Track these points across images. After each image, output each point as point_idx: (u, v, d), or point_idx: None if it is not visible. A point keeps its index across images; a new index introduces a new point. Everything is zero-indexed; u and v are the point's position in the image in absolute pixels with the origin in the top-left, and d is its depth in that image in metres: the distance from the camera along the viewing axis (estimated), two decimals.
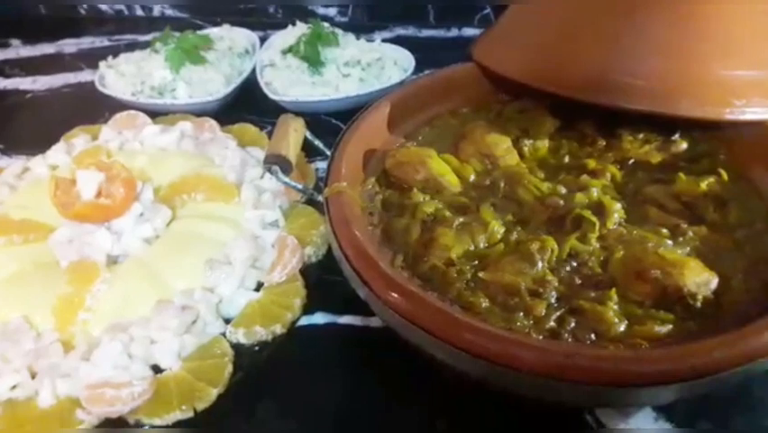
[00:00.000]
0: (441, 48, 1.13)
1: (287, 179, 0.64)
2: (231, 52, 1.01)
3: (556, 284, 0.54)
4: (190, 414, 0.54)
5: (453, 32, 1.17)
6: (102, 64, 1.02)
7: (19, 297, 0.62)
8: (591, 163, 0.66)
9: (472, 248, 0.58)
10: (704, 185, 0.61)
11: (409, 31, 1.18)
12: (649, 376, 0.44)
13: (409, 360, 0.53)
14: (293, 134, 0.66)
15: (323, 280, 0.67)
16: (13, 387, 0.56)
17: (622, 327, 0.51)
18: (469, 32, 1.16)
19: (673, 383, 0.45)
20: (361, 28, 1.17)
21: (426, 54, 1.04)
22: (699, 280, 0.52)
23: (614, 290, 0.53)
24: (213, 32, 1.08)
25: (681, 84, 0.63)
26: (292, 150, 0.65)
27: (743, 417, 0.57)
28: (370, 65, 0.94)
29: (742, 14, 0.65)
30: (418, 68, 0.99)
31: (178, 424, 0.54)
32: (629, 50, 0.64)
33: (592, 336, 0.51)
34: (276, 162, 0.64)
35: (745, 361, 0.45)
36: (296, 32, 1.01)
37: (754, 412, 0.58)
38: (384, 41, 1.10)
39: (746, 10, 0.65)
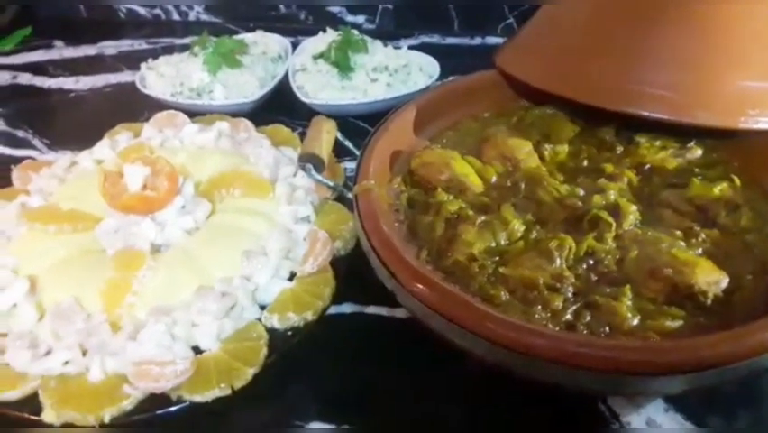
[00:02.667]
0: (465, 55, 1.17)
1: (319, 177, 0.68)
2: (265, 57, 1.06)
3: (573, 280, 0.57)
4: (228, 391, 0.58)
5: (477, 40, 1.20)
6: (143, 66, 1.07)
7: (69, 280, 0.67)
8: (609, 168, 0.69)
9: (493, 245, 0.61)
10: (717, 190, 0.63)
11: (434, 38, 1.22)
12: (658, 366, 0.47)
13: (432, 350, 0.56)
14: (325, 135, 0.70)
15: (351, 273, 0.70)
16: (66, 363, 0.60)
17: (635, 322, 0.53)
18: (492, 40, 1.20)
19: (682, 374, 0.47)
20: (387, 35, 1.20)
21: (451, 61, 1.08)
22: (710, 279, 0.55)
23: (628, 286, 0.55)
24: (247, 37, 1.13)
25: (698, 94, 0.65)
26: (324, 149, 0.69)
27: (749, 411, 0.60)
28: (397, 71, 0.98)
29: (757, 26, 0.67)
30: (443, 73, 1.03)
31: (217, 400, 0.58)
32: (648, 60, 0.67)
33: (606, 329, 0.53)
34: (309, 161, 0.68)
35: (751, 354, 0.47)
36: (326, 38, 1.05)
37: (760, 407, 0.60)
38: (410, 47, 1.14)
39: (761, 22, 0.68)
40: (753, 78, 0.66)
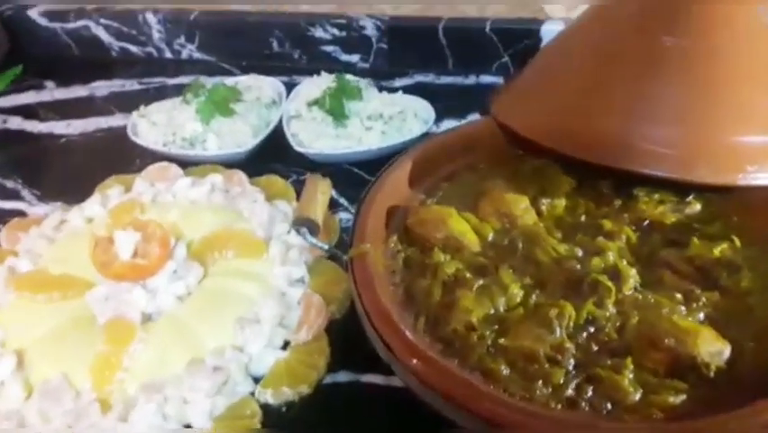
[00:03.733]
0: (459, 95, 1.16)
1: (314, 240, 0.67)
2: (258, 102, 1.05)
3: (574, 351, 0.56)
4: None
5: (471, 80, 1.19)
6: (134, 114, 1.06)
7: (58, 354, 0.65)
8: (607, 224, 0.68)
9: (492, 312, 0.60)
10: (717, 251, 0.62)
11: (428, 77, 1.21)
12: None
13: (431, 420, 0.54)
14: (320, 197, 0.69)
15: (346, 337, 0.69)
16: None
17: (637, 397, 0.52)
18: (486, 79, 1.19)
19: None
20: (381, 74, 1.20)
21: (445, 101, 1.08)
22: (713, 349, 0.54)
23: (629, 358, 0.54)
24: (240, 81, 1.12)
25: (696, 150, 0.65)
26: (319, 212, 0.68)
27: None
28: (392, 118, 0.97)
29: (754, 77, 0.67)
30: (438, 117, 1.02)
31: None
32: (645, 116, 0.67)
33: (608, 405, 0.52)
34: (304, 224, 0.67)
35: None
36: (320, 82, 1.04)
37: None
38: (404, 87, 1.14)
39: (758, 75, 0.67)
40: (751, 133, 0.65)
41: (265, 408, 0.62)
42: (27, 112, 1.23)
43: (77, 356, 0.64)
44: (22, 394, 0.63)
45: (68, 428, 0.58)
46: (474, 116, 1.09)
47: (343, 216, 0.88)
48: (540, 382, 0.54)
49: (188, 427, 0.61)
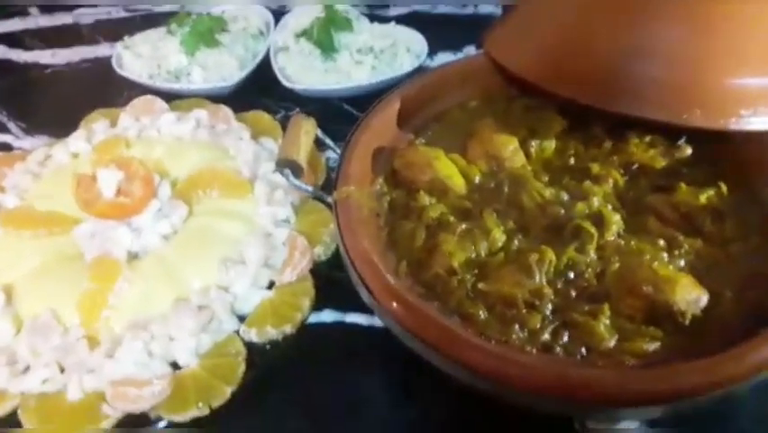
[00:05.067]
0: (455, 26, 1.11)
1: (297, 182, 0.66)
2: (245, 33, 1.01)
3: (552, 296, 0.56)
4: (206, 411, 0.58)
5: (469, 9, 1.14)
6: (119, 45, 1.03)
7: (46, 290, 0.66)
8: (595, 168, 0.67)
9: (474, 256, 0.60)
10: (703, 198, 0.62)
11: (425, 6, 1.16)
12: (631, 398, 0.48)
13: (411, 360, 0.56)
14: (304, 137, 0.68)
15: (331, 278, 0.70)
16: (44, 381, 0.61)
17: (612, 343, 0.53)
18: (485, 8, 1.14)
19: (657, 405, 0.48)
20: (376, 2, 1.15)
21: (440, 33, 1.04)
22: (690, 297, 0.54)
23: (606, 305, 0.55)
24: (228, 10, 1.07)
25: (690, 93, 0.63)
26: (302, 153, 0.67)
27: (721, 424, 0.60)
28: (382, 51, 0.94)
29: (752, 21, 0.64)
30: (432, 49, 0.99)
31: (195, 420, 0.58)
32: (639, 56, 0.64)
33: (583, 350, 0.53)
34: (287, 165, 0.66)
35: (725, 384, 0.48)
36: (311, 11, 1.00)
37: (732, 421, 0.61)
38: (399, 18, 1.10)
39: (757, 17, 0.64)
40: (746, 75, 0.63)
41: (249, 346, 0.63)
42: (12, 40, 1.19)
43: (65, 293, 0.65)
44: (11, 330, 0.65)
45: (56, 363, 0.60)
46: (470, 48, 1.06)
47: (332, 155, 0.86)
48: (517, 326, 0.54)
49: (174, 364, 0.62)
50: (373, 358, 0.66)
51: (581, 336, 0.54)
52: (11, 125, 0.99)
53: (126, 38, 1.04)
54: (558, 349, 0.53)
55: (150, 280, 0.66)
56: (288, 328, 0.64)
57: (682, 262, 0.58)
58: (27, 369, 0.62)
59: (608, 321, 0.54)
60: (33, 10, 1.26)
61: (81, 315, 0.63)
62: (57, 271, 0.68)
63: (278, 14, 1.07)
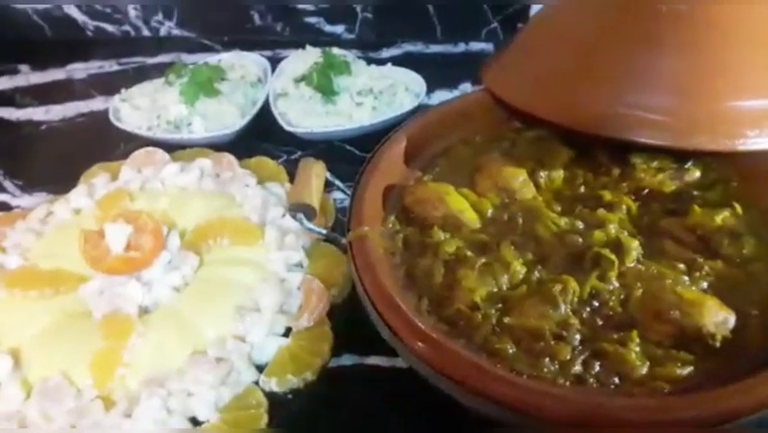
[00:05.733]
0: (450, 64, 1.13)
1: (311, 226, 0.65)
2: (243, 81, 1.02)
3: (579, 326, 0.55)
4: None
5: (461, 47, 1.17)
6: (116, 97, 1.03)
7: (55, 352, 0.64)
8: (607, 195, 0.67)
9: (495, 290, 0.59)
10: (719, 219, 0.62)
11: (417, 47, 1.18)
12: (672, 425, 0.46)
13: (436, 400, 0.54)
14: (315, 180, 0.67)
15: (349, 321, 0.68)
16: None
17: (644, 370, 0.52)
18: (476, 46, 1.16)
19: (695, 429, 0.47)
20: (368, 45, 1.17)
21: (436, 72, 1.06)
22: (718, 319, 0.53)
23: (635, 331, 0.54)
24: (223, 58, 1.08)
25: (695, 118, 0.63)
26: (315, 196, 0.66)
27: None
28: (382, 92, 0.95)
29: (751, 42, 0.65)
30: (429, 88, 1.00)
31: None
32: (641, 84, 0.65)
33: (616, 379, 0.52)
34: (300, 210, 0.65)
35: (764, 406, 0.47)
36: (306, 57, 1.02)
37: None
38: (392, 58, 1.11)
39: (756, 37, 0.66)
40: (749, 98, 0.64)
41: (270, 396, 0.62)
42: (3, 99, 1.19)
43: (76, 353, 0.63)
44: (21, 395, 0.62)
45: (71, 428, 0.57)
46: (466, 86, 1.07)
47: (338, 195, 0.86)
48: (547, 359, 0.53)
49: (194, 419, 0.60)
50: (397, 400, 0.64)
51: (613, 365, 0.53)
52: (7, 184, 0.97)
53: (123, 90, 1.04)
54: (591, 380, 0.52)
55: (164, 335, 0.64)
56: (309, 375, 0.62)
57: (705, 285, 0.58)
58: None
59: (637, 348, 0.53)
60: (24, 67, 1.26)
61: (95, 375, 0.61)
62: (66, 331, 0.66)
63: (274, 62, 1.08)
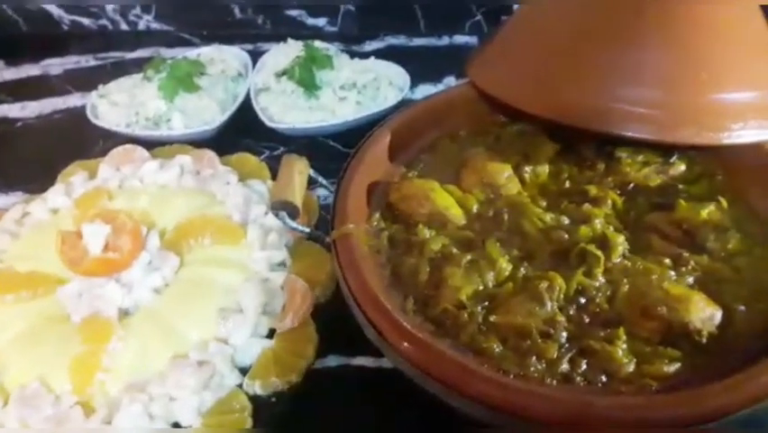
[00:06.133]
0: (433, 57, 1.12)
1: (294, 224, 0.64)
2: (224, 76, 1.00)
3: (566, 324, 0.55)
4: None
5: (445, 40, 1.16)
6: (93, 94, 1.00)
7: (33, 357, 0.62)
8: (592, 190, 0.67)
9: (481, 288, 0.59)
10: (704, 213, 0.62)
11: (400, 39, 1.17)
12: (661, 423, 0.46)
13: (424, 400, 0.54)
14: (298, 177, 0.66)
15: (333, 321, 0.67)
16: None
17: (631, 367, 0.52)
18: (460, 39, 1.16)
19: (683, 427, 0.46)
20: (351, 38, 1.16)
21: (419, 65, 1.05)
22: (704, 315, 0.53)
23: (622, 328, 0.54)
24: (203, 53, 1.06)
25: (680, 111, 0.63)
26: (298, 194, 0.65)
27: None
28: (365, 86, 0.93)
29: (734, 36, 0.65)
30: (412, 82, 0.99)
31: None
32: (626, 78, 0.65)
33: (603, 377, 0.52)
34: (283, 208, 0.64)
35: (754, 402, 0.47)
36: (288, 51, 1.00)
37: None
38: (375, 51, 1.10)
39: (738, 31, 0.66)
40: (733, 90, 0.64)
41: (254, 399, 0.61)
42: None
43: (54, 358, 0.62)
44: None
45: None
46: (450, 79, 1.06)
47: (321, 192, 0.85)
48: (534, 357, 0.53)
49: (177, 425, 0.59)
50: (384, 401, 0.63)
51: (600, 363, 0.52)
52: None
53: (101, 86, 1.02)
54: (578, 378, 0.52)
55: (144, 338, 0.63)
56: (294, 377, 0.61)
57: (691, 280, 0.58)
58: None
59: (624, 345, 0.53)
60: None
61: (73, 380, 0.60)
62: (43, 335, 0.64)
63: (255, 55, 1.06)
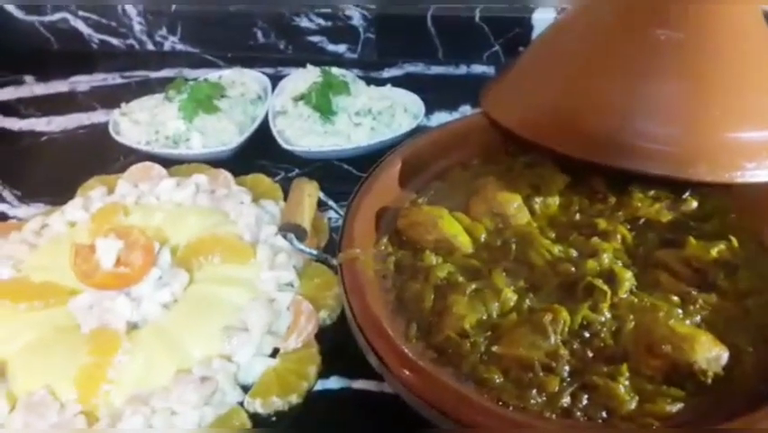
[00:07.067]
0: (450, 86, 1.14)
1: (302, 246, 0.65)
2: (243, 98, 1.02)
3: (568, 358, 0.55)
4: None
5: (462, 69, 1.17)
6: (116, 111, 1.03)
7: (42, 365, 0.64)
8: (602, 224, 0.67)
9: (485, 317, 0.59)
10: (715, 252, 0.61)
11: (418, 67, 1.19)
12: None
13: (425, 427, 0.54)
14: (307, 200, 0.67)
15: (337, 343, 0.68)
16: None
17: (633, 405, 0.52)
18: (477, 68, 1.17)
19: None
20: (370, 65, 1.18)
21: (436, 93, 1.06)
22: (710, 355, 0.53)
23: (625, 365, 0.53)
24: (225, 75, 1.09)
25: (693, 148, 0.63)
26: (307, 216, 0.66)
27: None
28: (380, 113, 0.95)
29: (749, 75, 0.65)
30: (428, 109, 1.00)
31: None
32: (640, 113, 0.65)
33: (604, 413, 0.52)
34: (291, 230, 0.65)
35: None
36: (306, 76, 1.02)
37: None
38: (393, 78, 1.12)
39: (755, 68, 0.66)
40: (748, 129, 0.64)
41: (254, 418, 0.61)
42: (6, 109, 1.19)
43: (61, 367, 0.63)
44: (5, 407, 0.61)
45: None
46: (466, 108, 1.07)
47: (333, 215, 0.86)
48: (534, 390, 0.53)
49: None
50: (384, 426, 0.63)
51: (601, 399, 0.52)
52: (6, 194, 0.97)
53: (123, 105, 1.05)
54: (578, 414, 0.52)
55: (150, 352, 0.64)
56: (294, 398, 0.62)
57: (698, 319, 0.57)
58: None
59: (627, 382, 0.53)
60: (29, 78, 1.28)
61: (79, 390, 0.61)
62: (53, 344, 0.65)
63: (275, 79, 1.08)
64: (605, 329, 0.57)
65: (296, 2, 1.20)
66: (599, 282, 0.59)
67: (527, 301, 0.60)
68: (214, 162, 0.92)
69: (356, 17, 1.19)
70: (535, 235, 0.66)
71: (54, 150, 1.08)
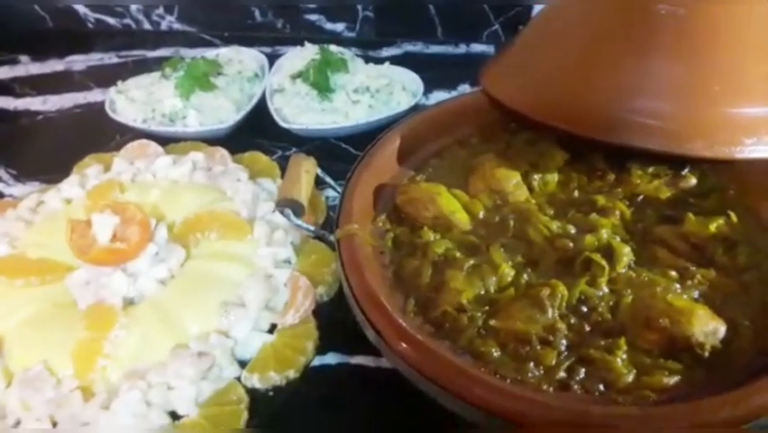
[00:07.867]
0: (449, 65, 1.13)
1: (299, 222, 0.64)
2: (240, 76, 1.01)
3: (566, 332, 0.54)
4: None
5: (461, 49, 1.16)
6: (112, 89, 1.02)
7: (38, 341, 0.64)
8: (601, 200, 0.66)
9: (483, 292, 0.59)
10: (713, 227, 0.61)
11: (417, 47, 1.18)
12: None
13: (422, 402, 0.54)
14: (305, 176, 0.67)
15: (335, 319, 0.68)
16: None
17: (630, 378, 0.51)
18: (477, 48, 1.16)
19: None
20: (368, 44, 1.17)
21: (435, 73, 1.05)
22: (707, 329, 0.52)
23: (623, 339, 0.53)
24: (222, 53, 1.08)
25: (692, 124, 0.62)
26: (304, 192, 0.66)
27: None
28: (378, 91, 0.94)
29: (750, 50, 0.64)
30: (427, 87, 1.00)
31: None
32: (640, 89, 0.64)
33: (601, 386, 0.51)
34: (288, 205, 0.64)
35: (749, 418, 0.46)
36: (304, 54, 1.01)
37: None
38: (392, 57, 1.11)
39: (754, 46, 0.65)
40: (748, 105, 0.63)
41: (252, 393, 0.61)
42: (1, 88, 1.19)
43: (58, 343, 0.63)
44: (2, 383, 0.62)
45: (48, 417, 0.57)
46: (465, 87, 1.07)
47: (330, 193, 0.85)
48: (531, 363, 0.53)
49: (174, 414, 0.59)
50: (381, 401, 0.63)
51: (598, 373, 0.52)
52: (1, 172, 0.97)
53: (119, 83, 1.04)
54: (575, 386, 0.52)
55: (147, 327, 0.64)
56: (292, 373, 0.62)
57: (696, 293, 0.57)
58: (18, 423, 0.58)
59: (624, 356, 0.53)
60: (24, 58, 1.27)
61: (75, 365, 0.61)
62: (50, 320, 0.65)
63: (273, 58, 1.08)
64: (603, 304, 0.56)
65: None
66: (597, 257, 0.58)
67: (525, 276, 0.59)
68: (211, 140, 0.92)
69: None
70: (534, 212, 0.65)
71: (50, 129, 1.08)
